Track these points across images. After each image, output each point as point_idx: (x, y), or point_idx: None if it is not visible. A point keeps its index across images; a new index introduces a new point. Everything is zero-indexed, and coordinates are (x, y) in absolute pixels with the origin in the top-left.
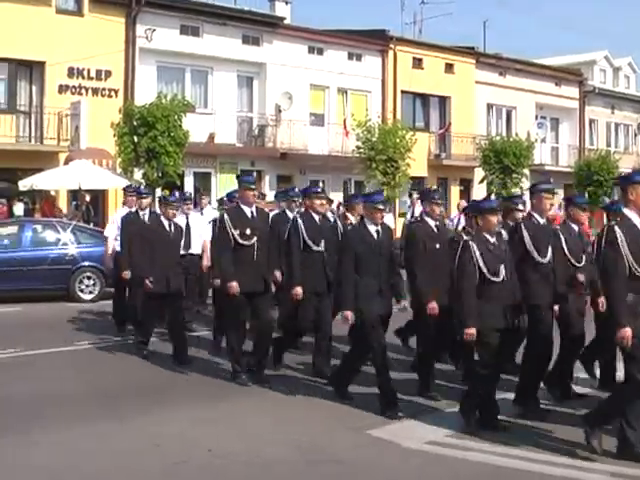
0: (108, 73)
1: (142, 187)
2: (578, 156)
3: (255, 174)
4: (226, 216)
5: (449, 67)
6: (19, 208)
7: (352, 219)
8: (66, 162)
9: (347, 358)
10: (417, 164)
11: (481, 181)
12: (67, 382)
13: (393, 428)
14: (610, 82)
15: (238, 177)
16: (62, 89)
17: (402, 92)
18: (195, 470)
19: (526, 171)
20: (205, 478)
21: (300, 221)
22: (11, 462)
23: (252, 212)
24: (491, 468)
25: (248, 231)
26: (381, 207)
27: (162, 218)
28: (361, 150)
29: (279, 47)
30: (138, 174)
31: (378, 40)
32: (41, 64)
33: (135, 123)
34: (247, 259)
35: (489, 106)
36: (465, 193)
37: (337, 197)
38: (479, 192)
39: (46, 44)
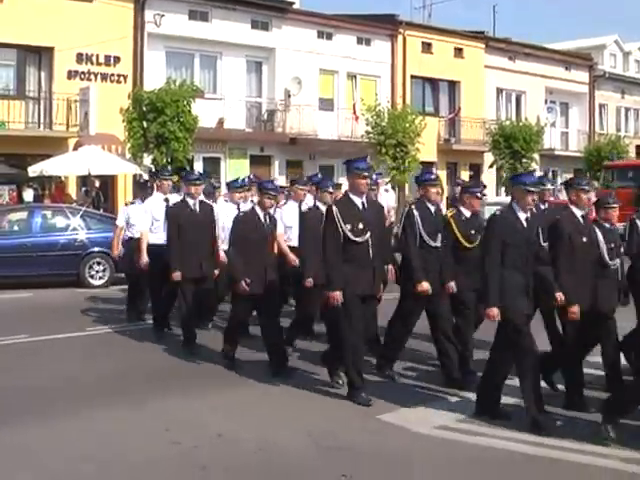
0: (117, 59)
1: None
2: (588, 141)
3: (369, 157)
4: (335, 208)
5: (458, 52)
6: (29, 194)
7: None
8: (75, 148)
9: (489, 373)
10: (427, 149)
11: (490, 166)
12: (78, 368)
13: (403, 413)
14: (620, 66)
15: (348, 162)
16: (71, 75)
17: (411, 77)
18: (206, 454)
19: (536, 156)
20: (216, 463)
21: (416, 213)
22: (25, 448)
23: (363, 203)
24: (503, 453)
25: (360, 225)
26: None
27: (258, 209)
28: (371, 135)
29: (288, 32)
30: (147, 159)
31: (387, 25)
32: (50, 50)
33: (144, 109)
34: (361, 258)
35: (499, 91)
36: (475, 178)
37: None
38: (489, 177)
39: (55, 30)
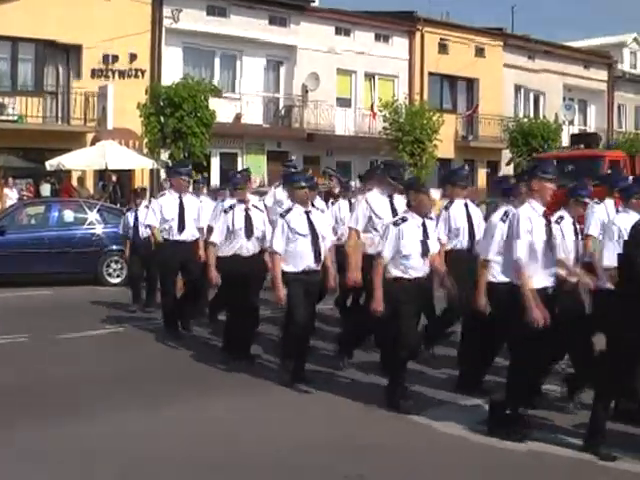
0: (135, 54)
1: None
2: (606, 139)
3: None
4: None
5: (477, 49)
6: (46, 188)
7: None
8: (93, 142)
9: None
10: (444, 145)
11: (508, 163)
12: (95, 367)
13: (431, 414)
14: None
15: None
16: (89, 70)
17: (429, 74)
18: (222, 455)
19: None
20: (233, 463)
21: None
22: (42, 447)
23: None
24: (532, 454)
25: None
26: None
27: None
28: (388, 131)
29: (306, 28)
30: (165, 155)
31: (406, 21)
32: (69, 45)
33: (161, 104)
34: None
35: (517, 88)
36: (492, 175)
37: None
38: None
39: (74, 25)
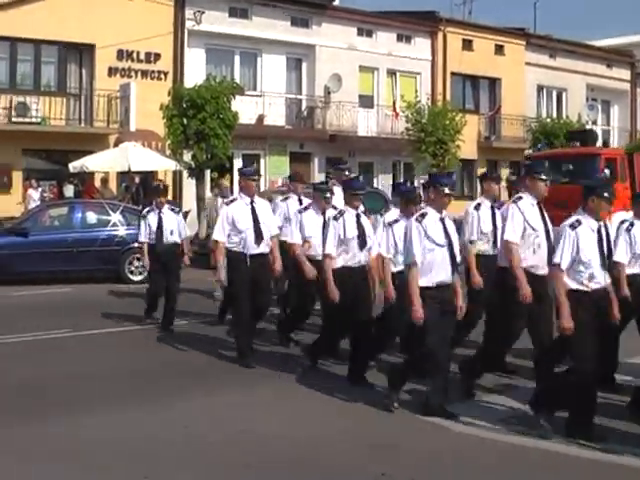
0: (157, 56)
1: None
2: (629, 138)
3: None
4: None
5: (499, 48)
6: (69, 190)
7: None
8: (116, 144)
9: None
10: (467, 146)
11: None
12: (113, 364)
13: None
14: None
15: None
16: (112, 71)
17: (452, 74)
18: (242, 451)
19: None
20: (256, 459)
21: None
22: (70, 441)
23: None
24: (550, 454)
25: None
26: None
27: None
28: (410, 132)
29: (328, 29)
30: (187, 156)
31: (428, 21)
32: (91, 47)
33: (184, 105)
34: None
35: (539, 88)
36: (515, 175)
37: (387, 179)
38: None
39: (96, 27)
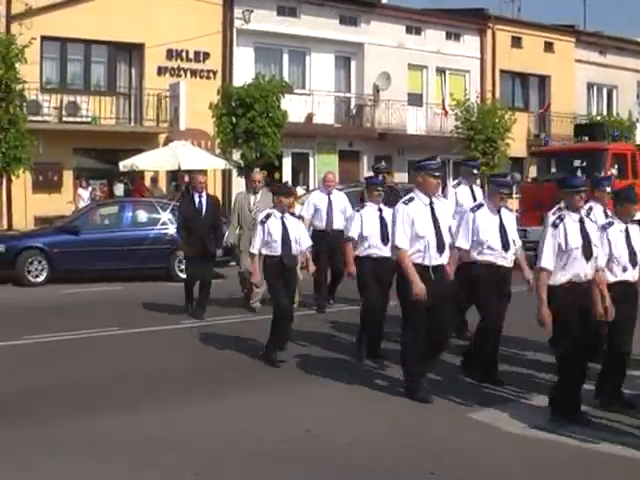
0: (206, 55)
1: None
2: None
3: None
4: None
5: (548, 46)
6: (119, 189)
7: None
8: (165, 143)
9: None
10: (516, 144)
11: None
12: (164, 361)
13: (494, 412)
14: None
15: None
16: (161, 71)
17: (501, 71)
18: (295, 449)
19: None
20: (307, 458)
21: None
22: (108, 438)
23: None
24: (600, 455)
25: None
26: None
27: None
28: (460, 130)
29: (377, 27)
30: (236, 155)
31: (477, 19)
32: (140, 46)
33: (233, 104)
34: None
35: (589, 85)
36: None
37: None
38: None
39: (145, 26)
